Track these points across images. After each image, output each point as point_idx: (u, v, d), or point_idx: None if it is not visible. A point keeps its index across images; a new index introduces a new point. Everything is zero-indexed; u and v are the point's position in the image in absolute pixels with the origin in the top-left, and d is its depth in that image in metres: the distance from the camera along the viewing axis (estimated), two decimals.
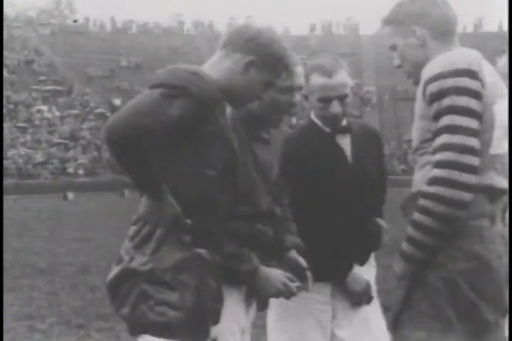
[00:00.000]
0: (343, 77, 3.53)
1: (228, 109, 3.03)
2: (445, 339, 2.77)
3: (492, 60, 3.51)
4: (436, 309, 2.78)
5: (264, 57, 2.94)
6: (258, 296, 3.25)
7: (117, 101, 49.24)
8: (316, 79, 3.53)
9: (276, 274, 3.20)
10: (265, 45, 2.95)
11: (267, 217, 3.28)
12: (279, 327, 3.76)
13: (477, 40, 56.69)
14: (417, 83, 2.96)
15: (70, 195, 33.14)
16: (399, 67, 3.08)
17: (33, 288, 9.05)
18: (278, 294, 3.20)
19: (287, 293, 3.21)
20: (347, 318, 3.65)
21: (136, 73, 55.35)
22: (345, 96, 3.54)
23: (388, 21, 3.08)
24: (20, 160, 40.36)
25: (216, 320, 2.97)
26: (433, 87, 2.79)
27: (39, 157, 42.03)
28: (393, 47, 3.07)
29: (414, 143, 2.97)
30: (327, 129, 3.65)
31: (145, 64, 56.05)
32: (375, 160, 3.72)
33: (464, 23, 62.82)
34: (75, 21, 65.77)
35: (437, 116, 2.77)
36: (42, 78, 53.57)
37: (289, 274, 3.24)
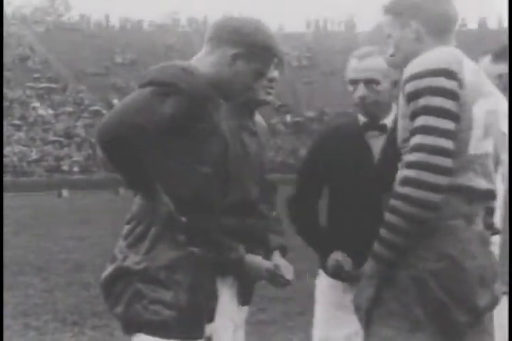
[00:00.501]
0: (375, 62, 3.49)
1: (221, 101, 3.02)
2: (412, 339, 2.76)
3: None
4: (404, 308, 2.77)
5: (250, 47, 2.92)
6: (243, 285, 3.26)
7: (116, 101, 49.18)
8: (350, 63, 3.57)
9: (260, 260, 3.24)
10: (249, 35, 2.92)
11: (256, 208, 3.29)
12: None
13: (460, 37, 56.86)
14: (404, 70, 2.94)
15: (65, 193, 33.12)
16: (391, 56, 3.05)
17: (28, 285, 9.04)
18: (262, 278, 3.25)
19: (272, 279, 3.27)
20: None
21: (132, 70, 55.22)
22: (372, 80, 3.50)
23: (388, 10, 3.05)
24: (15, 158, 40.31)
25: (211, 318, 2.97)
26: (410, 87, 2.78)
27: (34, 154, 42.00)
28: (389, 36, 3.05)
29: (398, 142, 2.95)
30: (362, 122, 3.63)
31: (140, 61, 55.94)
32: None
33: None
34: None
35: (413, 116, 2.76)
36: (36, 75, 53.49)
37: (273, 263, 3.29)
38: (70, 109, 50.16)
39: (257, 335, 6.28)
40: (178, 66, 2.80)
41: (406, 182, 2.70)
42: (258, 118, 3.47)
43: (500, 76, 3.46)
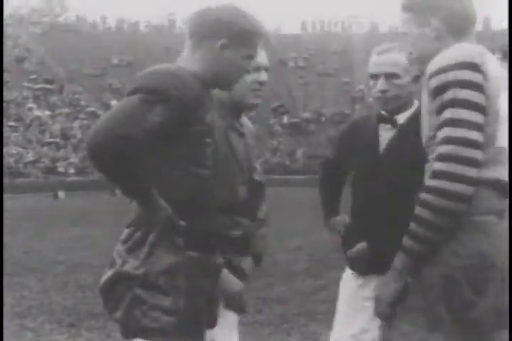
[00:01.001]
0: (395, 57, 3.56)
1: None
2: (430, 338, 2.74)
3: None
4: (428, 305, 2.74)
5: (234, 34, 2.89)
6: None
7: (113, 103, 49.14)
8: (371, 58, 3.65)
9: (236, 280, 3.28)
10: (231, 23, 2.89)
11: (243, 208, 3.29)
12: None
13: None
14: (423, 73, 2.95)
15: (61, 194, 33.10)
16: (410, 54, 3.05)
17: (23, 286, 9.04)
18: (225, 296, 3.25)
19: (232, 303, 3.29)
20: None
21: (128, 71, 55.18)
22: (393, 74, 3.55)
23: (407, 7, 3.02)
24: (11, 159, 40.27)
25: (212, 323, 2.96)
26: (435, 81, 2.76)
27: (30, 156, 41.95)
28: (407, 34, 3.03)
29: (424, 140, 2.94)
30: (377, 115, 3.70)
31: (136, 62, 55.94)
32: (418, 166, 3.60)
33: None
34: None
35: (440, 110, 2.74)
36: (33, 76, 53.48)
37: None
38: (66, 110, 50.16)
39: (252, 336, 6.28)
40: (165, 71, 2.77)
41: (436, 175, 2.67)
42: (245, 120, 3.49)
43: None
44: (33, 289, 8.87)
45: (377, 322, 3.62)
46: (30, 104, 48.86)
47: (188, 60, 2.93)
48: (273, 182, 38.58)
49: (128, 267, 2.83)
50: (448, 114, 2.70)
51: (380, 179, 3.59)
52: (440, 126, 2.72)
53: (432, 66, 2.81)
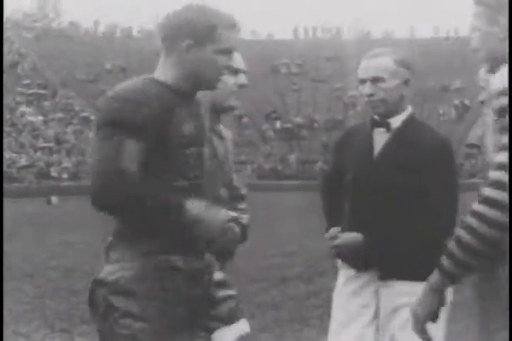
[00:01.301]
0: (381, 61, 3.58)
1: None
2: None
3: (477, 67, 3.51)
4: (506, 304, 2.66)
5: (199, 33, 2.83)
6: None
7: None
8: (361, 63, 3.65)
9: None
10: (193, 22, 2.83)
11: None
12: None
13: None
14: (491, 71, 2.84)
15: (54, 199, 32.97)
16: (475, 51, 2.92)
17: (17, 291, 9.01)
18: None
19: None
20: (388, 321, 3.64)
21: (121, 77, 55.12)
22: (377, 78, 3.57)
23: (479, 1, 2.87)
24: (4, 164, 40.18)
25: (186, 327, 2.93)
26: (502, 101, 2.63)
27: (23, 161, 41.86)
28: (475, 29, 2.89)
29: (487, 158, 2.86)
30: (371, 119, 3.71)
31: (129, 67, 55.83)
32: (413, 170, 3.57)
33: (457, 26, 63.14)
34: None
35: (502, 132, 2.61)
36: (26, 81, 53.37)
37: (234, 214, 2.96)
38: (59, 115, 50.05)
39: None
40: (117, 97, 2.76)
41: (484, 200, 2.50)
42: (222, 125, 3.54)
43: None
44: (26, 294, 8.85)
45: (373, 328, 3.64)
46: (24, 108, 48.74)
47: (161, 67, 2.92)
48: (266, 187, 38.55)
49: (103, 274, 2.84)
50: (505, 139, 2.54)
51: (375, 183, 3.60)
52: (499, 150, 2.57)
53: (500, 82, 2.69)
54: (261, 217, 3.81)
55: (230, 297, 3.27)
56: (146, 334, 2.74)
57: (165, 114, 2.76)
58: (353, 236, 3.60)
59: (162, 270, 2.81)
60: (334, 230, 3.69)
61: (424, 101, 47.22)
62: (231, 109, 3.44)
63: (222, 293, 3.21)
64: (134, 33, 66.46)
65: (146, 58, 57.11)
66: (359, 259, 3.62)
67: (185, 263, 2.87)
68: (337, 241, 3.64)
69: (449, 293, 3.44)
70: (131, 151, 2.68)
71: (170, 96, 2.80)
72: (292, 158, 48.45)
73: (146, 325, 2.75)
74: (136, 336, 2.74)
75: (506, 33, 2.77)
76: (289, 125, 52.62)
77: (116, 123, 2.70)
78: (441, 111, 51.97)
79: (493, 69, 2.86)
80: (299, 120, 52.89)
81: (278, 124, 53.01)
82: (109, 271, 2.81)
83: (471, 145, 45.93)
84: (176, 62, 2.88)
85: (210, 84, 2.93)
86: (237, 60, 3.38)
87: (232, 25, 2.88)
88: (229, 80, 3.32)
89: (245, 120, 49.81)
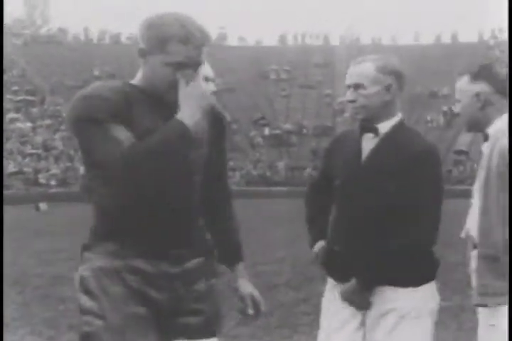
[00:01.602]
0: (363, 68, 3.59)
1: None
2: None
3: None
4: None
5: (148, 43, 2.85)
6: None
7: None
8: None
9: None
10: (150, 29, 2.86)
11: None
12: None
13: (454, 50, 57.21)
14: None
15: (43, 206, 32.90)
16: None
17: (4, 298, 8.96)
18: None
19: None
20: (373, 328, 3.62)
21: None
22: (358, 85, 3.58)
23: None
24: None
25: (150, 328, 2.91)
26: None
27: (11, 167, 41.77)
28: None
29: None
30: (359, 125, 3.72)
31: (118, 74, 55.80)
32: (398, 175, 3.56)
33: (439, 34, 63.36)
34: None
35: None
36: (14, 88, 53.26)
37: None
38: (47, 121, 49.98)
39: None
40: (80, 95, 2.84)
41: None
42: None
43: (477, 94, 3.50)
44: (13, 301, 8.81)
45: (361, 335, 3.63)
46: (12, 114, 48.65)
47: (143, 79, 2.95)
48: (254, 193, 38.56)
49: (76, 274, 2.95)
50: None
51: (362, 187, 3.60)
52: None
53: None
54: (249, 223, 3.80)
55: (201, 312, 3.06)
56: (105, 332, 2.78)
57: (127, 107, 2.82)
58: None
59: (121, 271, 2.86)
60: (322, 244, 3.73)
61: (412, 108, 47.29)
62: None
63: (196, 305, 3.04)
64: (123, 39, 66.43)
65: (135, 64, 57.17)
66: (339, 271, 3.66)
67: (152, 266, 2.89)
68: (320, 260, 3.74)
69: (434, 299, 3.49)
70: (117, 130, 2.75)
71: (135, 95, 2.87)
72: (281, 164, 48.46)
73: (104, 322, 2.79)
74: (97, 333, 2.79)
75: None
76: (277, 131, 52.65)
77: (80, 117, 2.78)
78: (429, 118, 52.10)
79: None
80: (287, 126, 52.94)
81: (267, 130, 53.02)
82: (80, 270, 2.92)
83: (459, 152, 46.19)
84: (146, 73, 2.93)
85: (159, 96, 2.92)
86: (206, 69, 3.40)
87: (187, 40, 2.82)
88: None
89: (234, 126, 49.78)
